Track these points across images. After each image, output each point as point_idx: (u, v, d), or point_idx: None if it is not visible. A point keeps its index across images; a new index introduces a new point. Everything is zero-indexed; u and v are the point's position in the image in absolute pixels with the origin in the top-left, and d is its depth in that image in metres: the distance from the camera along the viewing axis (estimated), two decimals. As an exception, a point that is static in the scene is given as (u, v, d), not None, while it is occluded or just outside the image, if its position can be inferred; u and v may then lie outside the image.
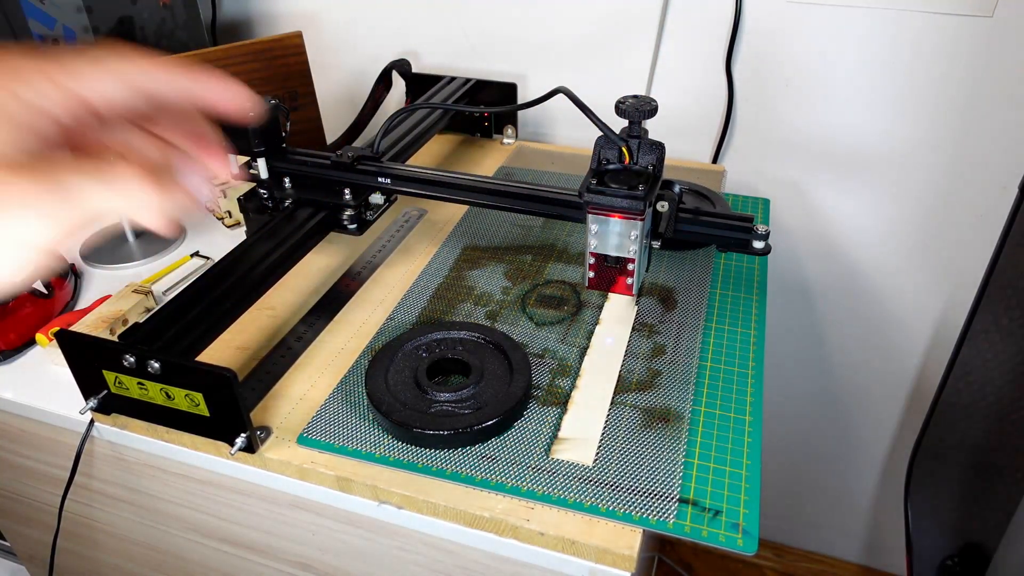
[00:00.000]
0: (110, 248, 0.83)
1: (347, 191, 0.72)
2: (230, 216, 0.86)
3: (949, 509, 0.91)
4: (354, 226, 0.72)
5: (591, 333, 0.66)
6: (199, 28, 0.99)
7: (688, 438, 0.56)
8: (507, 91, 1.00)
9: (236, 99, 0.36)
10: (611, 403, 0.59)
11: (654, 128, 0.58)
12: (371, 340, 0.66)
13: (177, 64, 0.34)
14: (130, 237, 0.84)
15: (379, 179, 0.71)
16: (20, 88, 0.29)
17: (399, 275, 0.75)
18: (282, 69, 0.93)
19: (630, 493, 0.51)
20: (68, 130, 0.30)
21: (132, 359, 0.53)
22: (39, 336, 0.66)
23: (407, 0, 1.03)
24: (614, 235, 0.56)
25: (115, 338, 0.61)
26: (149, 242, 0.84)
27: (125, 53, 0.32)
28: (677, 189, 0.64)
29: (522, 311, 0.69)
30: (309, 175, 0.73)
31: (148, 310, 0.70)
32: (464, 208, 0.86)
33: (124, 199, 0.29)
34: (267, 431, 0.57)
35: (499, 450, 0.55)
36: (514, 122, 1.03)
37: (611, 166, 0.56)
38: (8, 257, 0.27)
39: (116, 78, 0.31)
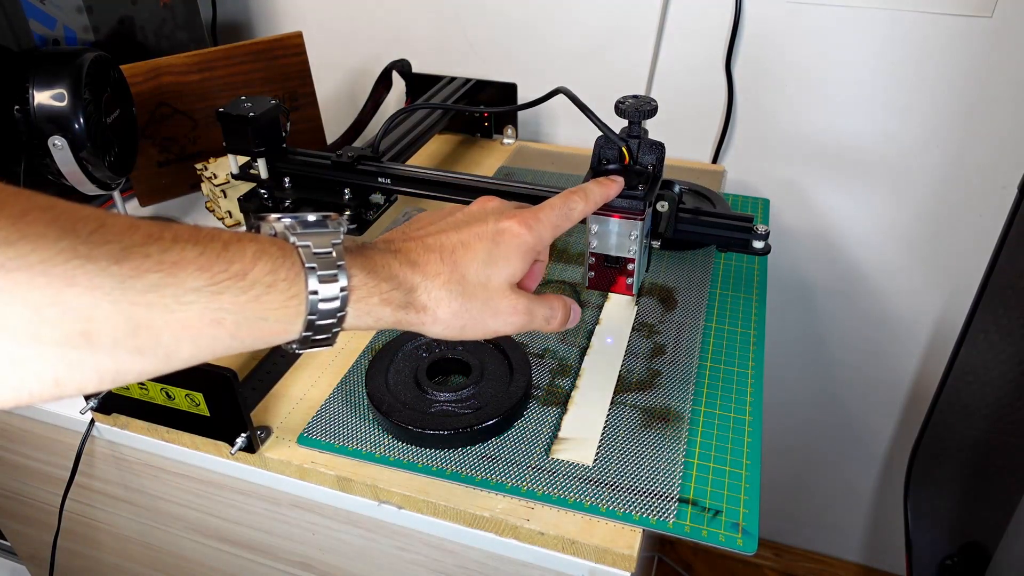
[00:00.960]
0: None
1: (347, 191, 0.72)
2: (230, 216, 0.86)
3: (949, 509, 0.91)
4: (354, 226, 0.72)
5: (591, 333, 0.66)
6: (199, 28, 0.99)
7: (688, 438, 0.56)
8: (507, 91, 1.00)
9: (614, 187, 0.52)
10: (611, 403, 0.59)
11: (654, 128, 0.58)
12: (371, 340, 0.66)
13: (587, 191, 0.49)
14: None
15: (379, 179, 0.71)
16: (537, 232, 0.43)
17: (399, 275, 0.75)
18: (282, 69, 0.93)
19: (630, 493, 0.51)
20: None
21: (132, 359, 0.52)
22: (39, 336, 0.66)
23: (407, 0, 1.03)
24: (614, 235, 0.56)
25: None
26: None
27: (570, 197, 0.47)
28: (677, 189, 0.64)
29: (522, 311, 0.69)
30: (309, 175, 0.73)
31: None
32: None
33: (550, 324, 0.46)
34: (267, 431, 0.57)
35: (499, 450, 0.55)
36: (514, 122, 1.03)
37: (611, 166, 0.56)
38: (479, 337, 0.42)
39: (572, 219, 0.47)
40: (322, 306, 0.34)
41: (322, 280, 0.34)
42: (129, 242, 0.28)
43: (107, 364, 0.28)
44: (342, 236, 0.36)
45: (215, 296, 0.30)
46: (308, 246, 0.34)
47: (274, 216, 0.36)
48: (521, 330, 0.43)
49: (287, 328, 0.34)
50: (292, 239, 0.34)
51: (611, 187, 0.51)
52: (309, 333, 0.34)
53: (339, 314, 0.35)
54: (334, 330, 0.35)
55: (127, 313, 0.28)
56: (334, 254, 0.34)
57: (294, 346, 0.35)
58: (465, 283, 0.40)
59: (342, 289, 0.34)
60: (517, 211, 0.44)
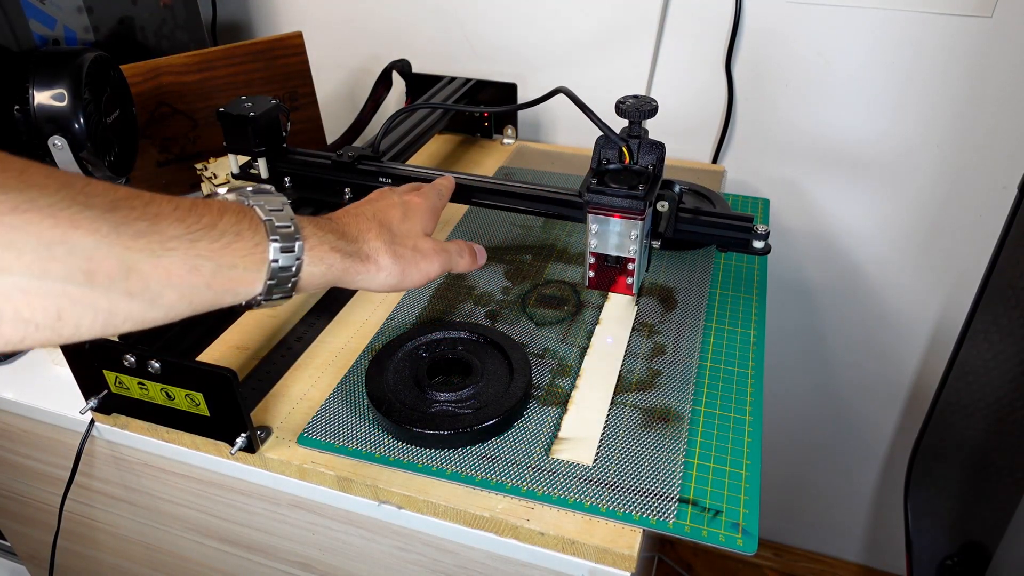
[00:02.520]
0: (110, 248, 0.83)
1: (348, 191, 0.72)
2: (230, 216, 0.86)
3: (949, 509, 0.91)
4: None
5: (591, 333, 0.66)
6: (199, 28, 0.99)
7: (688, 438, 0.56)
8: (507, 91, 1.00)
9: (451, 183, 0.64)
10: (611, 403, 0.59)
11: (654, 128, 0.58)
12: (371, 340, 0.66)
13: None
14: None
15: (380, 179, 0.71)
16: (431, 199, 0.55)
17: (399, 275, 0.75)
18: (282, 69, 0.93)
19: (630, 493, 0.51)
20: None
21: (132, 359, 0.53)
22: (39, 336, 0.66)
23: (407, 0, 1.03)
24: (614, 235, 0.56)
25: (115, 338, 0.61)
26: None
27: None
28: (677, 189, 0.64)
29: (522, 311, 0.69)
30: (310, 175, 0.73)
31: (148, 310, 0.70)
32: (464, 208, 0.86)
33: (459, 264, 0.54)
34: (267, 431, 0.57)
35: (499, 450, 0.55)
36: (514, 122, 1.03)
37: (611, 166, 0.56)
38: (416, 282, 0.49)
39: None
40: (283, 256, 0.38)
41: (280, 233, 0.38)
42: (115, 196, 0.32)
43: (103, 303, 0.31)
44: (285, 198, 0.41)
45: (192, 243, 0.34)
46: (262, 205, 0.39)
47: (222, 192, 0.41)
48: (446, 269, 0.52)
49: (255, 277, 0.38)
50: (247, 201, 0.39)
51: (450, 183, 0.62)
52: (272, 282, 0.38)
53: (297, 260, 0.40)
54: (292, 280, 0.40)
55: (121, 256, 0.31)
56: (284, 211, 0.40)
57: (259, 298, 0.39)
58: (392, 234, 0.48)
59: (296, 240, 0.39)
60: (408, 191, 0.55)
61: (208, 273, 0.35)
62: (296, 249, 0.39)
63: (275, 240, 0.38)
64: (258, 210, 0.39)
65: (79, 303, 0.30)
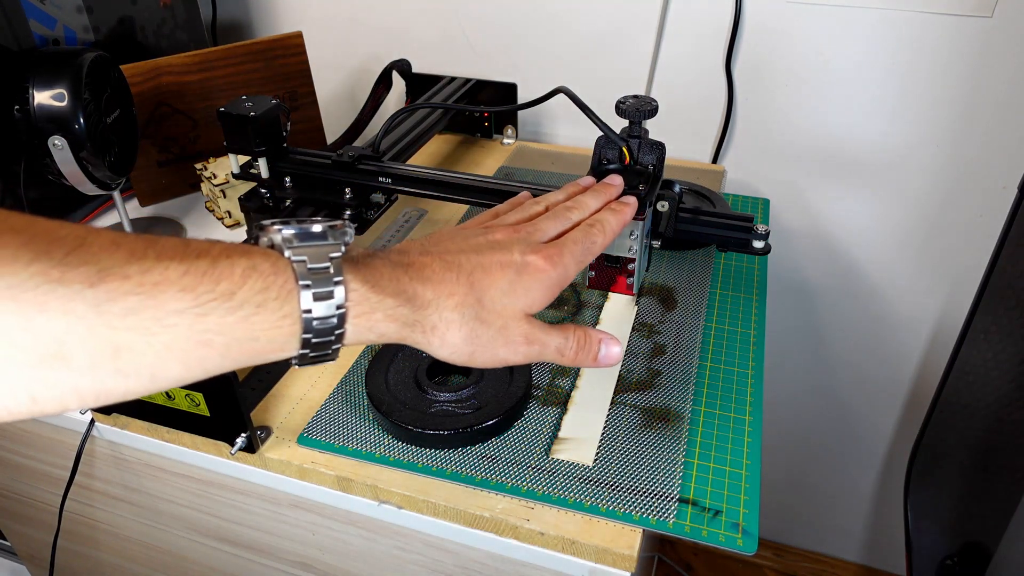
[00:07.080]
0: (110, 248, 0.83)
1: (348, 190, 0.72)
2: (230, 216, 0.86)
3: (949, 509, 0.91)
4: (355, 225, 0.72)
5: (591, 333, 0.66)
6: (199, 28, 0.99)
7: (688, 438, 0.56)
8: (507, 91, 1.00)
9: (628, 211, 0.50)
10: (611, 403, 0.59)
11: (654, 128, 0.58)
12: (371, 340, 0.66)
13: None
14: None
15: (380, 179, 0.71)
16: (563, 267, 0.41)
17: (399, 275, 0.75)
18: (282, 69, 0.93)
19: (630, 493, 0.51)
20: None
21: (132, 359, 0.53)
22: (39, 336, 0.66)
23: (407, 0, 1.03)
24: (614, 235, 0.55)
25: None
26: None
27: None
28: (677, 189, 0.64)
29: (522, 311, 0.69)
30: (310, 174, 0.73)
31: (148, 310, 0.70)
32: (464, 208, 0.86)
33: (564, 356, 0.42)
34: (267, 431, 0.57)
35: (499, 450, 0.55)
36: (514, 122, 1.03)
37: (611, 166, 0.56)
38: (485, 363, 0.40)
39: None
40: (317, 324, 0.32)
41: (317, 298, 0.32)
42: (108, 263, 0.27)
43: (86, 384, 0.27)
44: (343, 248, 0.34)
45: (200, 318, 0.29)
46: (304, 260, 0.32)
47: (276, 226, 0.34)
48: (532, 360, 0.41)
49: (282, 347, 0.32)
50: (287, 253, 0.32)
51: (625, 212, 0.49)
52: (306, 351, 0.33)
53: (337, 332, 0.33)
54: (333, 347, 0.33)
55: (104, 336, 0.27)
56: (331, 269, 0.32)
57: (294, 362, 0.34)
58: (480, 307, 0.38)
59: (338, 307, 0.32)
60: (542, 246, 0.42)
61: (221, 346, 0.30)
62: (337, 320, 0.32)
63: (307, 312, 0.31)
64: (296, 269, 0.32)
65: (56, 386, 0.27)
